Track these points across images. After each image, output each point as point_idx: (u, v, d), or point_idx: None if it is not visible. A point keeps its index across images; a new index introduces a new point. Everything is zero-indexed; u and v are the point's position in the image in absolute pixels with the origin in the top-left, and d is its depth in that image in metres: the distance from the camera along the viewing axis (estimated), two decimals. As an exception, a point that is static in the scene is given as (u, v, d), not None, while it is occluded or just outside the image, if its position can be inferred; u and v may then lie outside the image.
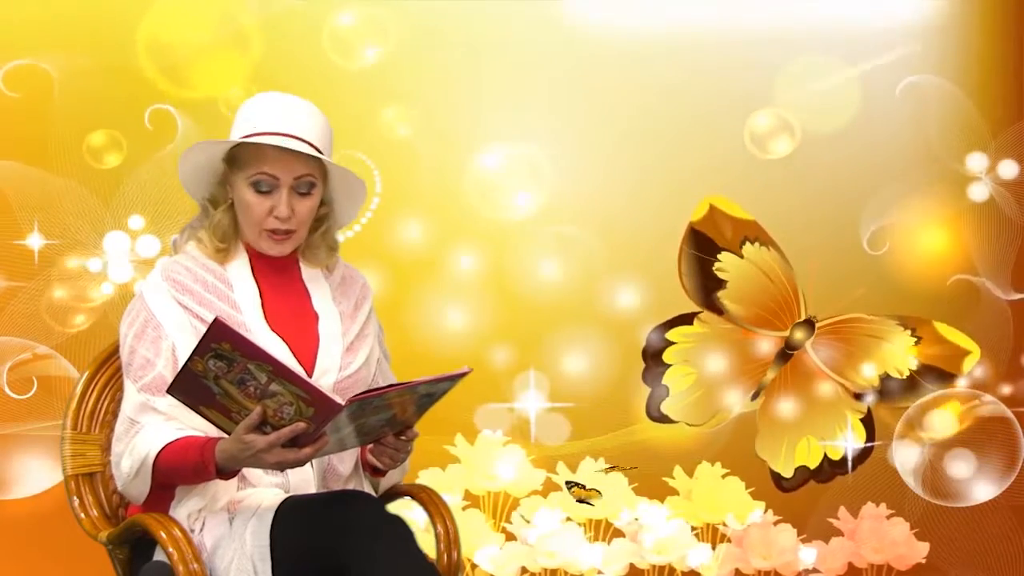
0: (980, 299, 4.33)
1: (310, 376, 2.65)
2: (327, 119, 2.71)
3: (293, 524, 2.51)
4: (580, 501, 4.18)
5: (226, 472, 2.51)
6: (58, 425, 2.86)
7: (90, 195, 4.08)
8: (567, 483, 4.20)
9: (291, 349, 2.66)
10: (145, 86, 4.09)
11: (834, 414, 4.32)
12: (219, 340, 2.36)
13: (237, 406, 2.41)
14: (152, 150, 4.08)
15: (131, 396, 2.62)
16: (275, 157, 2.64)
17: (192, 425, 2.56)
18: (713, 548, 4.25)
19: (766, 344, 4.31)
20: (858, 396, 4.33)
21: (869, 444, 4.32)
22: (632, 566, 4.23)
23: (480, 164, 4.23)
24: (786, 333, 4.32)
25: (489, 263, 4.22)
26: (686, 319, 4.29)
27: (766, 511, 4.27)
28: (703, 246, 4.29)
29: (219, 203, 2.71)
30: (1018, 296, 4.33)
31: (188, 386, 2.41)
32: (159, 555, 2.59)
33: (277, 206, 2.65)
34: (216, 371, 2.38)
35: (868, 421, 4.32)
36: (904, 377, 4.33)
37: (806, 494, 4.31)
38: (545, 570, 4.19)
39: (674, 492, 4.25)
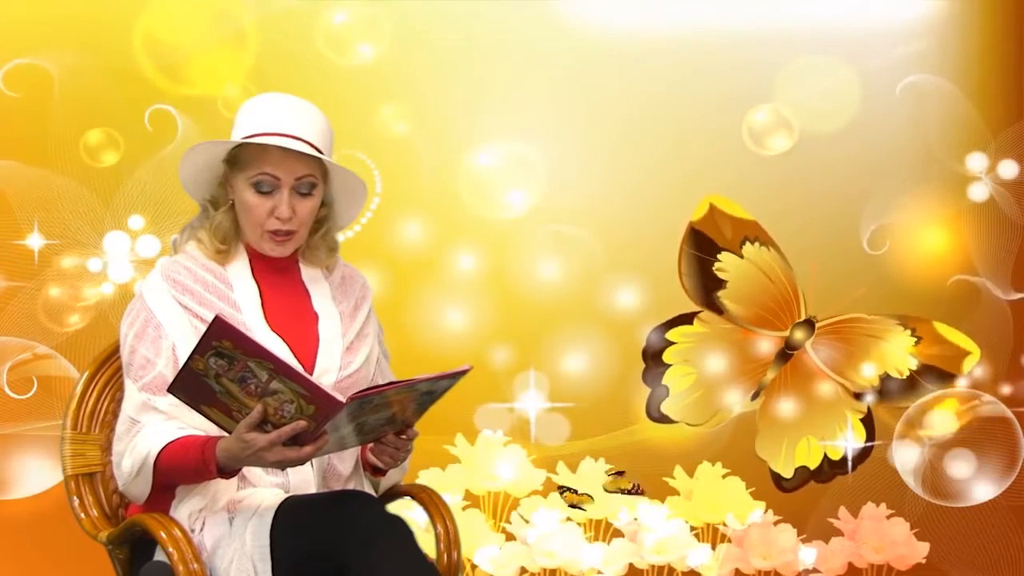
0: (980, 299, 4.33)
1: (310, 376, 2.65)
2: (328, 120, 2.71)
3: (293, 524, 2.51)
4: (572, 506, 4.18)
5: (227, 471, 2.51)
6: (58, 425, 2.86)
7: (90, 195, 4.08)
8: (560, 488, 4.20)
9: (291, 349, 2.66)
10: (144, 85, 4.09)
11: (834, 414, 4.32)
12: (220, 338, 2.36)
13: (238, 404, 2.41)
14: (152, 150, 4.08)
15: (132, 396, 2.62)
16: (276, 157, 2.64)
17: (193, 424, 2.56)
18: (713, 548, 4.25)
19: (766, 344, 4.31)
20: (858, 396, 4.33)
21: (869, 444, 4.32)
22: (631, 566, 4.23)
23: (480, 164, 4.23)
24: (786, 333, 4.32)
25: (489, 263, 4.22)
26: (686, 319, 4.29)
27: (766, 511, 4.27)
28: (703, 246, 4.29)
29: (220, 204, 2.71)
30: (1018, 296, 4.33)
31: (189, 385, 2.41)
32: (159, 555, 2.59)
33: (278, 206, 2.65)
34: (217, 369, 2.38)
35: (868, 421, 4.32)
36: (904, 377, 4.33)
37: (806, 494, 4.31)
38: (544, 570, 4.19)
39: (674, 492, 4.25)
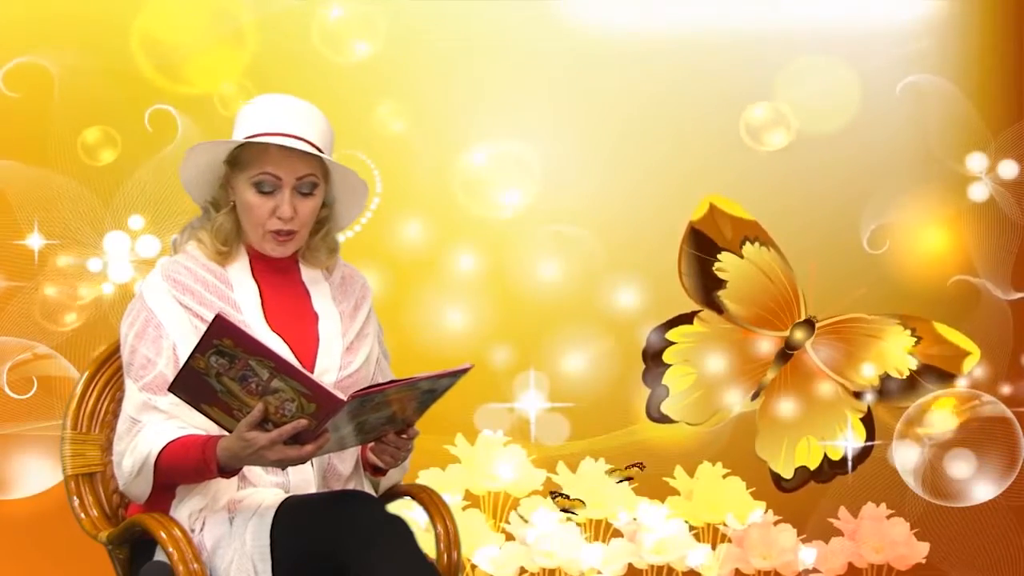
0: (980, 299, 4.33)
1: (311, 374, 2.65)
2: (328, 120, 2.71)
3: (293, 524, 2.51)
4: (564, 511, 4.18)
5: (228, 470, 2.51)
6: (58, 425, 2.86)
7: (90, 195, 4.08)
8: (551, 493, 4.20)
9: (291, 349, 2.66)
10: (144, 85, 4.09)
11: (834, 414, 4.32)
12: (221, 336, 2.36)
13: (239, 403, 2.41)
14: (152, 150, 4.08)
15: (132, 395, 2.62)
16: (277, 157, 2.64)
17: (194, 424, 2.56)
18: (713, 548, 4.25)
19: (766, 344, 4.31)
20: (858, 395, 4.33)
21: (869, 444, 4.32)
22: (631, 566, 4.23)
23: (480, 164, 4.23)
24: (786, 333, 4.32)
25: (489, 263, 4.22)
26: (686, 319, 4.29)
27: (766, 511, 4.27)
28: (703, 246, 4.29)
29: (221, 206, 2.71)
30: (1018, 295, 4.33)
31: (190, 384, 2.41)
32: (159, 555, 2.59)
33: (280, 206, 2.65)
34: (218, 368, 2.38)
35: (868, 420, 4.32)
36: (904, 377, 4.33)
37: (806, 494, 4.32)
38: (543, 570, 4.19)
39: (674, 492, 4.25)
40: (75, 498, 2.78)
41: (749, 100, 4.29)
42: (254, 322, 2.65)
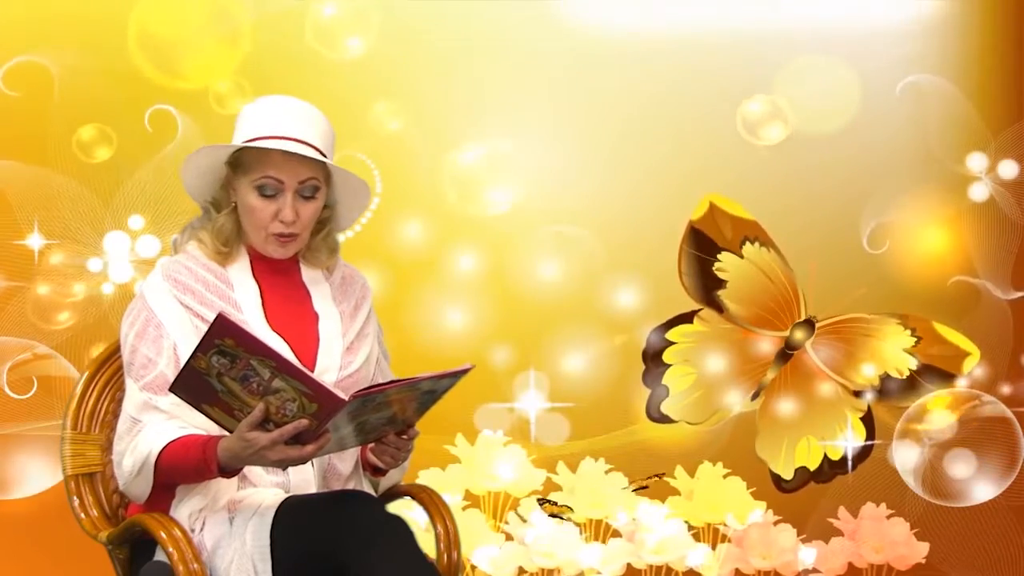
0: (980, 299, 4.33)
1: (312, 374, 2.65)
2: (329, 122, 2.71)
3: (293, 524, 2.51)
4: (552, 516, 4.18)
5: (228, 470, 2.51)
6: (58, 425, 2.86)
7: (90, 195, 4.08)
8: (539, 500, 4.20)
9: (292, 349, 2.66)
10: (143, 84, 4.09)
11: (834, 414, 4.32)
12: (222, 336, 2.36)
13: (239, 403, 2.41)
14: (152, 150, 4.08)
15: (133, 395, 2.62)
16: (280, 161, 2.64)
17: (194, 423, 2.56)
18: (713, 548, 4.25)
19: (766, 344, 4.31)
20: (858, 395, 4.33)
21: (869, 443, 4.32)
22: (629, 566, 4.22)
23: (480, 164, 4.23)
24: (786, 333, 4.32)
25: (489, 263, 4.22)
26: (686, 318, 4.29)
27: (767, 511, 4.27)
28: (703, 246, 4.29)
29: (221, 206, 2.71)
30: (1018, 295, 4.33)
31: (191, 384, 2.41)
32: (159, 555, 2.59)
33: (282, 210, 2.65)
34: (219, 368, 2.38)
35: (868, 420, 4.32)
36: (904, 377, 4.33)
37: (806, 494, 4.31)
38: (542, 570, 4.19)
39: (675, 492, 4.25)
40: (75, 498, 2.78)
41: (749, 101, 4.29)
42: (254, 322, 2.65)
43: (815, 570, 4.29)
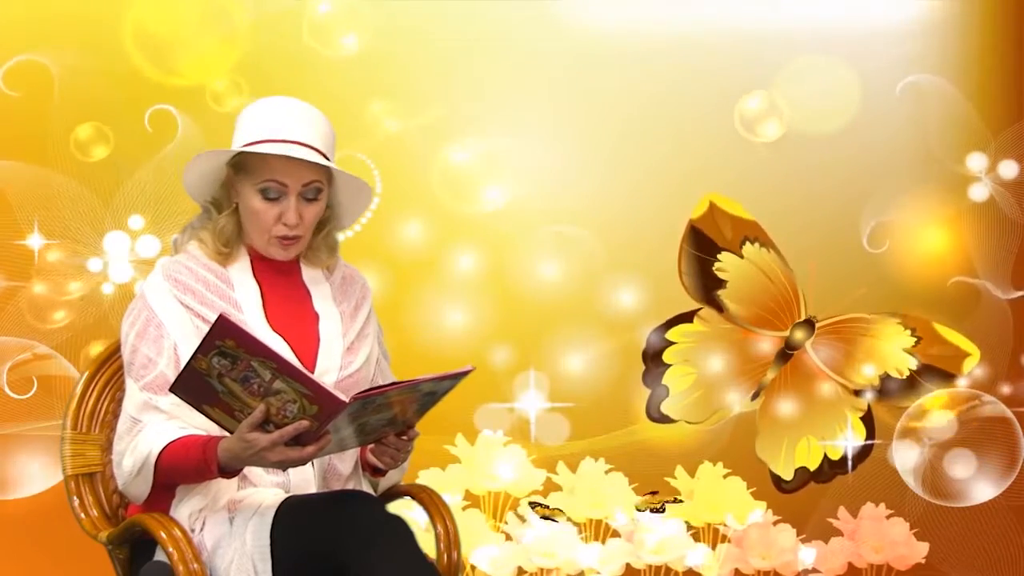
0: (980, 299, 4.33)
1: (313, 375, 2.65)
2: (330, 122, 2.71)
3: (293, 524, 2.51)
4: (544, 518, 4.18)
5: (228, 471, 2.51)
6: (58, 425, 2.86)
7: (90, 195, 4.08)
8: (530, 503, 4.20)
9: (292, 349, 2.66)
10: (143, 83, 4.08)
11: (834, 414, 4.32)
12: (223, 337, 2.36)
13: (240, 404, 2.41)
14: (152, 150, 4.08)
15: (133, 395, 2.62)
16: (284, 165, 2.64)
17: (194, 424, 2.56)
18: (713, 548, 4.25)
19: (766, 344, 4.31)
20: (858, 394, 4.33)
21: (869, 443, 4.32)
22: (628, 566, 4.22)
23: (480, 164, 4.23)
24: (786, 333, 4.32)
25: (489, 263, 4.22)
26: (686, 318, 4.29)
27: (766, 511, 4.27)
28: (703, 245, 4.29)
29: (222, 207, 2.71)
30: (1018, 294, 4.33)
31: (191, 385, 2.41)
32: (159, 555, 2.59)
33: (286, 213, 2.65)
34: (220, 369, 2.38)
35: (868, 419, 4.32)
36: (904, 377, 4.33)
37: (806, 494, 4.31)
38: (541, 570, 4.19)
39: (675, 492, 4.25)
40: (75, 498, 2.78)
41: (749, 100, 4.29)
42: (255, 322, 2.65)
43: (815, 570, 4.29)
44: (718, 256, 4.30)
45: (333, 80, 4.13)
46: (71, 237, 4.07)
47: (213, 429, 2.52)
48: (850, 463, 4.32)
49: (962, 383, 4.34)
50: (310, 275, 2.77)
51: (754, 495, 4.27)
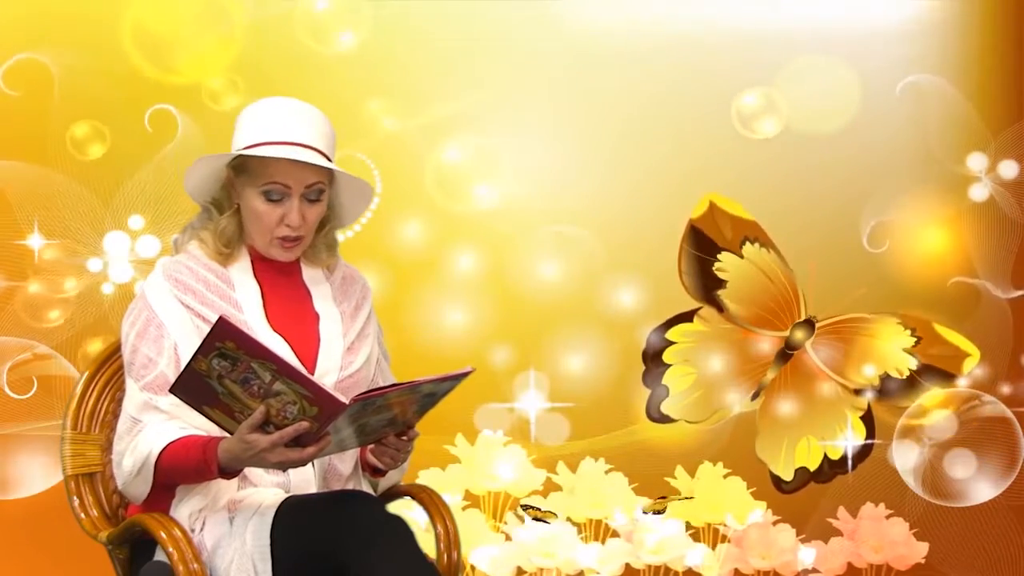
0: (980, 299, 4.33)
1: (311, 376, 2.64)
2: (330, 122, 2.71)
3: (293, 524, 2.51)
4: (536, 519, 4.18)
5: (228, 471, 2.51)
6: (58, 425, 2.86)
7: (90, 195, 4.08)
8: (522, 506, 4.20)
9: (292, 349, 2.66)
10: (143, 83, 4.08)
11: (834, 414, 4.32)
12: (223, 339, 2.36)
13: (240, 405, 2.41)
14: (152, 150, 4.08)
15: (133, 395, 2.62)
16: (286, 166, 2.63)
17: (194, 424, 2.56)
18: (713, 548, 4.25)
19: (766, 344, 4.31)
20: (858, 393, 4.33)
21: (869, 443, 4.32)
22: (628, 566, 4.22)
23: (480, 164, 4.23)
24: (786, 333, 4.32)
25: (489, 263, 4.22)
26: (686, 317, 4.29)
27: (766, 511, 4.27)
28: (703, 245, 4.29)
29: (223, 207, 2.71)
30: (1018, 294, 4.33)
31: (191, 386, 2.41)
32: (159, 555, 2.59)
33: (288, 214, 2.65)
34: (220, 370, 2.38)
35: (868, 419, 4.32)
36: (904, 377, 4.33)
37: (806, 494, 4.31)
38: (540, 570, 4.19)
39: (675, 492, 4.25)
40: (75, 498, 2.78)
41: (749, 100, 4.29)
42: (255, 322, 2.65)
43: (814, 570, 4.29)
44: (718, 256, 4.30)
45: (331, 78, 4.13)
46: (71, 237, 4.07)
47: (213, 429, 2.52)
48: (850, 463, 4.32)
49: (962, 383, 4.34)
50: (310, 275, 2.77)
51: (754, 495, 4.27)
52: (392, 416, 2.50)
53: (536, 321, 4.22)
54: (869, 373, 4.32)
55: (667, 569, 4.23)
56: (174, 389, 2.43)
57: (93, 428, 2.83)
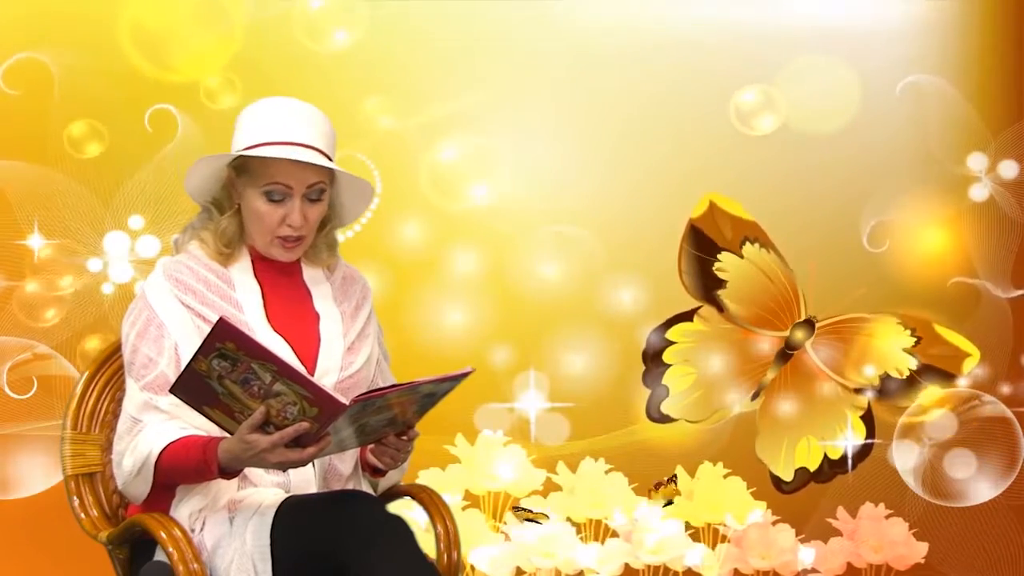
0: (980, 299, 4.33)
1: (311, 376, 2.64)
2: (331, 122, 2.71)
3: (293, 524, 2.51)
4: (528, 521, 4.18)
5: (228, 472, 2.51)
6: (58, 425, 2.86)
7: (90, 195, 4.08)
8: (514, 508, 4.20)
9: (292, 349, 2.66)
10: (142, 83, 4.08)
11: (834, 414, 4.32)
12: (223, 340, 2.36)
13: (240, 406, 2.41)
14: (152, 150, 4.08)
15: (133, 395, 2.62)
16: (288, 167, 2.63)
17: (195, 424, 2.56)
18: (713, 548, 4.25)
19: (766, 344, 4.31)
20: (858, 393, 4.33)
21: (869, 443, 4.32)
22: (627, 566, 4.22)
23: (480, 164, 4.23)
24: (786, 333, 4.32)
25: (489, 263, 4.22)
26: (686, 317, 4.29)
27: (766, 511, 4.27)
28: (703, 245, 4.29)
29: (224, 207, 2.71)
30: (1018, 293, 4.33)
31: (191, 386, 2.41)
32: (159, 555, 2.59)
33: (290, 214, 2.65)
34: (220, 371, 2.38)
35: (868, 419, 4.32)
36: (904, 377, 4.33)
37: (806, 494, 4.32)
38: (540, 570, 4.19)
39: (675, 492, 4.25)
40: (75, 498, 2.78)
41: (749, 100, 4.29)
42: (256, 322, 2.65)
43: (814, 570, 4.29)
44: (718, 256, 4.30)
45: (329, 77, 4.13)
46: (71, 237, 4.07)
47: (213, 429, 2.52)
48: (850, 463, 4.32)
49: (962, 383, 4.34)
50: (311, 275, 2.77)
51: (754, 495, 4.27)
52: (392, 416, 2.50)
53: (536, 321, 4.22)
54: (869, 373, 4.32)
55: (666, 569, 4.23)
56: (174, 389, 2.43)
57: (93, 428, 2.83)
